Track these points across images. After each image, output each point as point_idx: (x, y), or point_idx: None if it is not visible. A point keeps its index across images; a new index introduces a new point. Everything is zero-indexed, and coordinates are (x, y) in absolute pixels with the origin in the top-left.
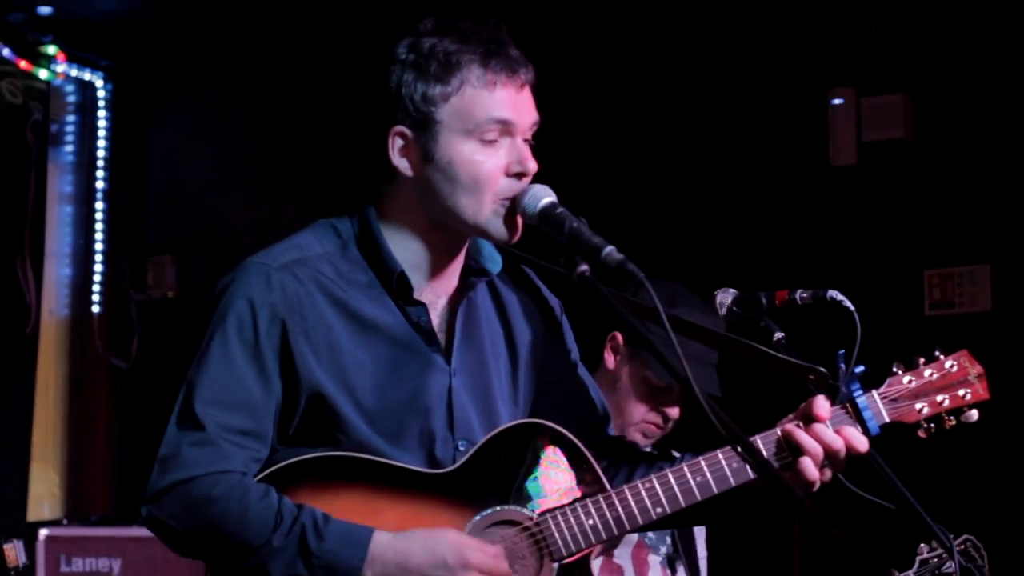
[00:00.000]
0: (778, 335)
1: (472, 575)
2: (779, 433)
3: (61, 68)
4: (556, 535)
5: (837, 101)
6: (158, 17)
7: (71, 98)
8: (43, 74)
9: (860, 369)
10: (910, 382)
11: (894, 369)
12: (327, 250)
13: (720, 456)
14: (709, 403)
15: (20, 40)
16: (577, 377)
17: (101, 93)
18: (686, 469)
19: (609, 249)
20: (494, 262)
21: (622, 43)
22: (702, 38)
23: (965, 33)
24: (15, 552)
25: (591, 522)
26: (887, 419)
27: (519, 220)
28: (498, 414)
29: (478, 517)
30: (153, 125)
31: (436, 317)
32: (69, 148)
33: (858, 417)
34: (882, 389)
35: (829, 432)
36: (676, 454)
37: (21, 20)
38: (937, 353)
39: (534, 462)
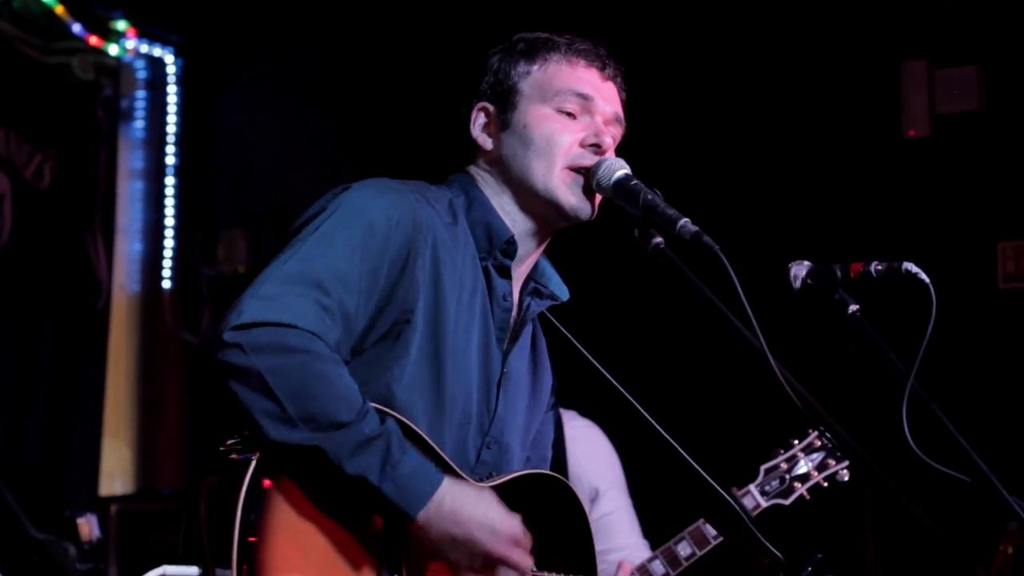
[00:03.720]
0: (853, 308)
1: (511, 550)
2: None
3: (131, 44)
4: None
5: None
6: None
7: (141, 74)
8: (113, 50)
9: (818, 557)
10: None
11: None
12: (437, 198)
13: None
14: (789, 381)
15: (91, 16)
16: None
17: (171, 68)
18: None
19: (684, 221)
20: (562, 291)
21: (696, 14)
22: (776, 9)
23: None
24: (89, 526)
25: None
26: None
27: (597, 196)
28: (515, 438)
29: None
30: (223, 100)
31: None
32: (139, 124)
33: None
34: None
35: None
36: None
37: None
38: None
39: (552, 518)
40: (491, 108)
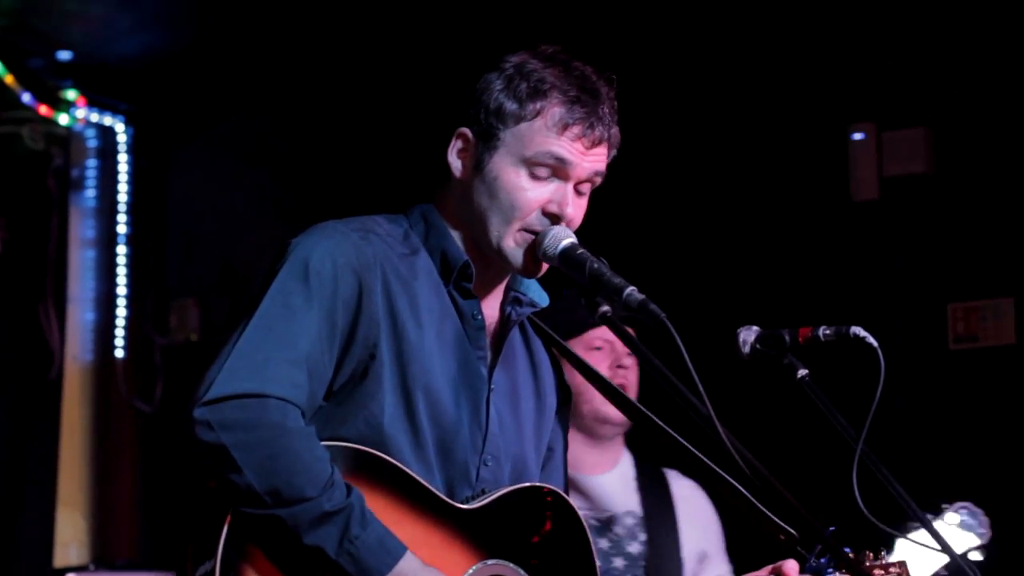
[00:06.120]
0: (802, 372)
1: None
2: None
3: (81, 113)
4: None
5: (858, 136)
6: (177, 60)
7: (91, 143)
8: (63, 119)
9: (831, 530)
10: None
11: (850, 555)
12: (389, 232)
13: None
14: (737, 448)
15: (40, 85)
16: (559, 461)
17: (121, 137)
18: None
19: (630, 289)
20: (541, 298)
21: (641, 77)
22: (723, 74)
23: (984, 65)
24: None
25: None
26: None
27: (543, 262)
28: (525, 450)
29: (481, 564)
30: (173, 168)
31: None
32: (90, 193)
33: None
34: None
35: None
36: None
37: (41, 66)
38: (884, 553)
39: (546, 531)
40: (471, 137)
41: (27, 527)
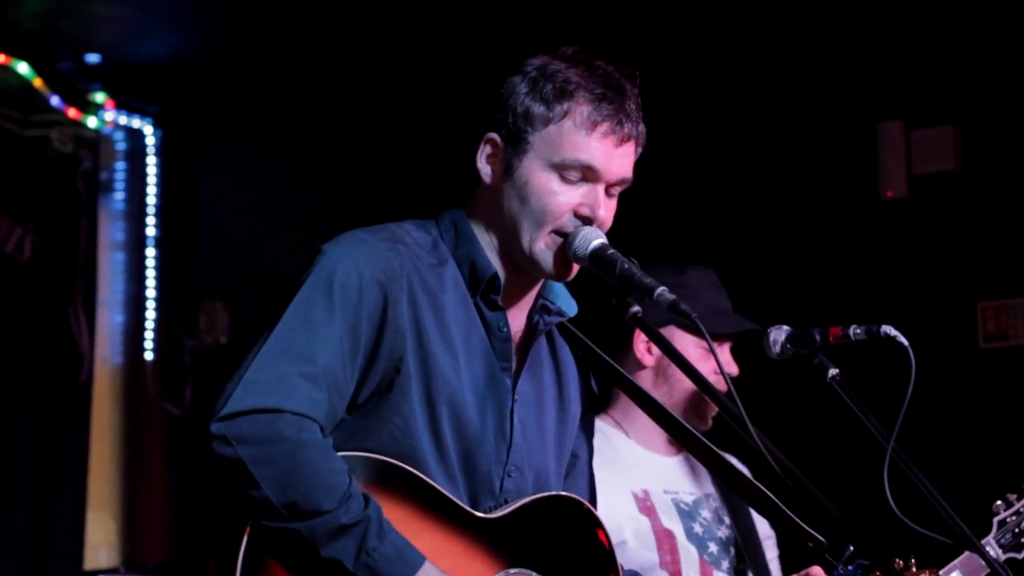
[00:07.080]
0: (832, 372)
1: None
2: None
3: (110, 116)
4: None
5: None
6: (205, 63)
7: (120, 145)
8: (92, 122)
9: (851, 549)
10: None
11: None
12: (418, 241)
13: None
14: (768, 448)
15: (69, 89)
16: (584, 467)
17: (150, 140)
18: None
19: (661, 290)
20: (570, 307)
21: (673, 73)
22: (752, 73)
23: (1013, 63)
24: None
25: None
26: None
27: (574, 264)
28: (547, 459)
29: (503, 573)
30: (202, 170)
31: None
32: (119, 195)
33: None
34: None
35: None
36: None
37: (69, 69)
38: (913, 562)
39: (568, 539)
40: (499, 142)
41: (57, 530)
